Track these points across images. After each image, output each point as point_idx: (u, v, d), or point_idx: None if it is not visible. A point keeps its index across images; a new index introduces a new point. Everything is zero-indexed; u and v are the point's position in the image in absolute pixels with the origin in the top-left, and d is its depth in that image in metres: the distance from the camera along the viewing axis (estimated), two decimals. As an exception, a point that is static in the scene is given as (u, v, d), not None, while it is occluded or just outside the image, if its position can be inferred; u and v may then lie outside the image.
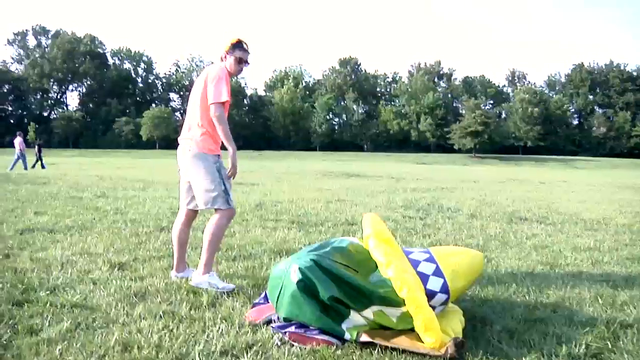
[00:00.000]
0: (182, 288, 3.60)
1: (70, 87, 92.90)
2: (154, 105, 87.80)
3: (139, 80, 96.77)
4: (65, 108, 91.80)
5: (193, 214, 4.17)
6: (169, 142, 77.42)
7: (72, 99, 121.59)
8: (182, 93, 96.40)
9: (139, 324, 2.91)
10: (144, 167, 24.64)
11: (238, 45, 3.96)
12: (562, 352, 2.71)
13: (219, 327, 2.89)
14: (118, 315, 3.04)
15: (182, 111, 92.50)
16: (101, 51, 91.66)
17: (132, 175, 16.59)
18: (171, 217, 7.01)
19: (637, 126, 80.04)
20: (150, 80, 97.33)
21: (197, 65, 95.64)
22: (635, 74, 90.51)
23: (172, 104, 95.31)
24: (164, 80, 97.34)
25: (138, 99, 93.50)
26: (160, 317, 3.02)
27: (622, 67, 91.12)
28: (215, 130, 3.82)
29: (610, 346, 2.83)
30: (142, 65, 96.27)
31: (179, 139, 4.03)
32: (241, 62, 3.97)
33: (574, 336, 2.93)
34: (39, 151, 23.84)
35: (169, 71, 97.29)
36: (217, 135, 3.85)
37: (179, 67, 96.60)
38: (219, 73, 3.84)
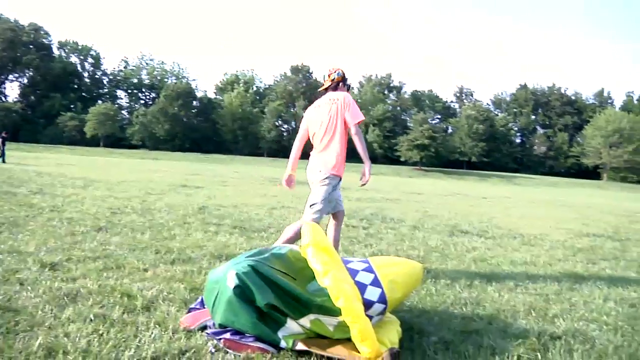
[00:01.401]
0: (116, 290, 3.46)
1: (11, 77, 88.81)
2: (100, 101, 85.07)
3: (86, 75, 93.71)
4: (4, 99, 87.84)
5: (340, 215, 4.78)
6: (115, 141, 75.40)
7: (12, 90, 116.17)
8: (130, 91, 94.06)
9: (67, 327, 2.78)
10: (86, 165, 23.88)
11: (345, 77, 4.87)
12: (495, 363, 2.77)
13: (152, 332, 2.80)
14: (44, 318, 2.89)
15: (129, 110, 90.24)
16: (46, 42, 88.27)
17: (73, 173, 16.04)
18: (111, 216, 6.80)
19: (574, 147, 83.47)
20: (97, 76, 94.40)
21: (146, 64, 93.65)
22: (573, 97, 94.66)
23: (119, 101, 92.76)
24: (111, 77, 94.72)
25: (84, 94, 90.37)
26: (91, 320, 2.90)
27: (562, 91, 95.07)
28: (343, 153, 4.56)
29: (539, 357, 2.92)
30: (90, 59, 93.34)
31: (312, 154, 4.65)
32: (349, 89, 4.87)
33: (507, 348, 3.00)
34: (3, 144, 23.43)
35: (117, 68, 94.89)
36: (344, 157, 4.58)
37: (128, 64, 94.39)
38: (349, 99, 4.54)
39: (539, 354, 2.96)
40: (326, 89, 4.84)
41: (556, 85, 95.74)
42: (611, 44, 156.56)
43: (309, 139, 4.79)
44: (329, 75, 4.85)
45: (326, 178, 4.48)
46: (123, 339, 2.69)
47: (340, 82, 4.80)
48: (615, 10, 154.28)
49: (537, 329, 3.40)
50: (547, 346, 3.09)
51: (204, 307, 3.05)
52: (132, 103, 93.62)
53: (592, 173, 78.92)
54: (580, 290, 4.71)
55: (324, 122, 4.53)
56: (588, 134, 78.44)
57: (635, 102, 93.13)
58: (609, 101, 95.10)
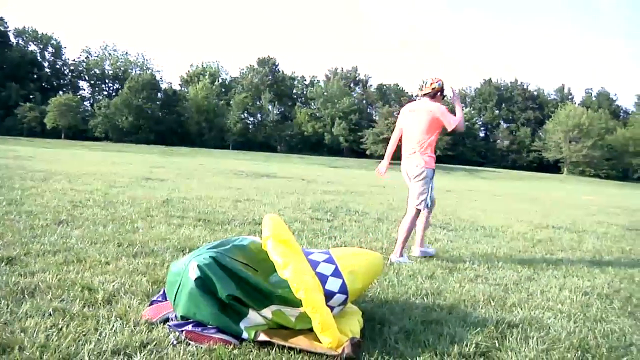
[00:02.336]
0: (76, 284, 3.41)
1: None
2: (61, 92, 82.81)
3: (46, 64, 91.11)
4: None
5: (419, 211, 5.56)
6: (77, 133, 73.67)
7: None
8: (92, 82, 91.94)
9: (24, 322, 2.72)
10: (46, 157, 23.28)
11: (444, 87, 5.46)
12: (454, 351, 2.84)
13: (113, 325, 2.78)
14: (0, 313, 2.84)
15: (91, 101, 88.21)
16: (2, 29, 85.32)
17: (32, 165, 15.63)
18: (72, 209, 6.65)
19: (536, 141, 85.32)
20: (58, 66, 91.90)
21: (110, 54, 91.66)
22: (535, 93, 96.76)
23: (81, 92, 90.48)
24: (72, 67, 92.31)
25: (44, 84, 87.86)
26: (50, 315, 2.85)
27: (525, 86, 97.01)
28: (433, 153, 5.48)
29: (497, 345, 3.01)
30: (50, 48, 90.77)
31: (405, 153, 5.55)
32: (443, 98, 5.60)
33: (466, 336, 3.07)
34: None
35: (79, 58, 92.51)
36: (434, 156, 5.48)
37: (90, 54, 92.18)
38: (443, 108, 5.34)
39: (496, 341, 3.05)
40: (424, 95, 5.47)
41: (519, 81, 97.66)
42: (571, 41, 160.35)
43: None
44: (430, 84, 5.44)
45: (423, 172, 5.40)
46: (83, 333, 2.66)
47: (438, 92, 5.44)
48: (574, 7, 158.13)
49: (495, 317, 3.50)
50: (505, 334, 3.18)
51: (166, 300, 3.03)
52: (94, 94, 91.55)
53: (552, 167, 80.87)
54: (538, 280, 4.85)
55: (422, 127, 5.34)
56: (549, 129, 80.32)
57: (594, 98, 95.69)
58: (569, 97, 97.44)
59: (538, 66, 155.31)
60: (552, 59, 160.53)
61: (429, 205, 5.51)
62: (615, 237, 8.55)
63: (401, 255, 5.28)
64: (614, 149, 77.15)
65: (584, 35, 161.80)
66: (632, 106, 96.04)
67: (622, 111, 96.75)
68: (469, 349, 2.89)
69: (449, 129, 5.30)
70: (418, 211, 5.51)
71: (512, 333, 3.20)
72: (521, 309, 3.76)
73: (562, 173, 76.86)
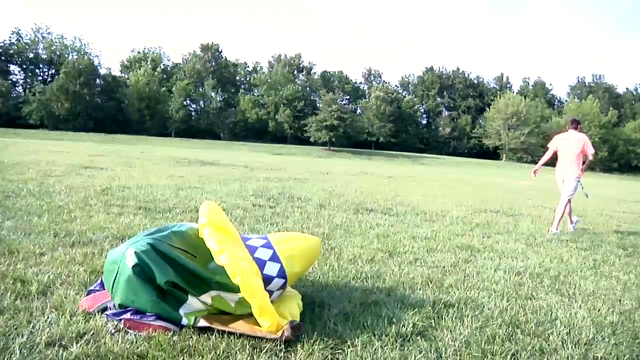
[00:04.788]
0: (7, 277, 3.29)
1: None
2: (-11, 77, 78.54)
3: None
4: None
5: (570, 201, 8.03)
6: (8, 120, 70.30)
7: None
8: (25, 66, 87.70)
9: (-51, 319, 2.62)
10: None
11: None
12: (392, 331, 2.92)
13: (48, 317, 2.72)
14: None
15: (26, 87, 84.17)
16: None
17: (-40, 154, 14.86)
18: (3, 200, 6.39)
19: (476, 129, 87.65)
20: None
21: (42, 37, 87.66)
22: (476, 82, 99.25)
23: (12, 77, 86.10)
24: (1, 50, 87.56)
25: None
26: (-23, 309, 2.76)
27: (466, 75, 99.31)
28: (580, 166, 7.95)
29: (433, 324, 3.13)
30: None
31: (562, 166, 8.04)
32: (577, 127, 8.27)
33: (404, 317, 3.17)
34: None
35: (9, 40, 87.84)
36: (581, 169, 7.97)
37: (22, 36, 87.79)
38: (587, 139, 8.00)
39: (433, 321, 3.16)
40: (570, 128, 8.19)
41: (460, 69, 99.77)
42: (509, 31, 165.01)
43: (553, 154, 8.28)
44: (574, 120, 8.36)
45: (576, 179, 7.89)
46: (14, 326, 2.59)
47: (579, 125, 8.26)
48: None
49: (432, 298, 3.62)
50: (441, 314, 3.31)
51: (104, 289, 2.98)
52: (27, 79, 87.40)
53: (492, 153, 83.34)
54: (475, 262, 5.03)
55: (575, 150, 7.87)
56: (489, 117, 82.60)
57: (531, 87, 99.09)
58: (508, 86, 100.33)
59: (478, 55, 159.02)
60: (491, 48, 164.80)
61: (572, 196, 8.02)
62: (548, 220, 8.93)
63: (557, 228, 7.77)
64: (549, 137, 79.97)
65: (521, 25, 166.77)
66: (566, 95, 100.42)
67: (556, 100, 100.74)
68: (407, 329, 2.99)
69: (590, 157, 7.91)
70: (570, 201, 7.92)
71: (448, 313, 3.33)
72: (457, 290, 3.90)
73: (501, 159, 79.33)
